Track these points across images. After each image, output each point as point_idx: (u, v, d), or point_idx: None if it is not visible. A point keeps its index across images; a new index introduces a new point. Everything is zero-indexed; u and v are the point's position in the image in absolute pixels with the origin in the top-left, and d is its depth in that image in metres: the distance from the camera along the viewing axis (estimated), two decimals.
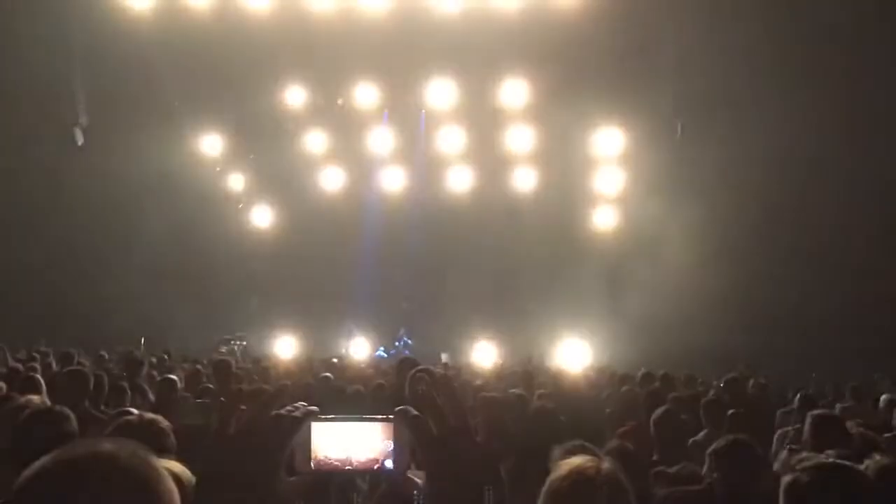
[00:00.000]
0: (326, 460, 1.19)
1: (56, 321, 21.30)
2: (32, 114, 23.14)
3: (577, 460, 2.58)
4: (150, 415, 3.69)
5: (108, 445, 1.36)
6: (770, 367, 16.72)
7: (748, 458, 4.09)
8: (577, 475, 2.48)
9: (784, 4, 20.97)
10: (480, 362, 19.49)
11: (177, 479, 2.43)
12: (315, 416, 1.19)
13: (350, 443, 1.20)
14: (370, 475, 1.22)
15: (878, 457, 3.89)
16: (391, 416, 1.20)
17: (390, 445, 1.19)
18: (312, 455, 1.19)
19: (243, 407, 1.18)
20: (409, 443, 1.17)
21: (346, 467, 1.20)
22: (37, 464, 1.32)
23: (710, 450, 4.27)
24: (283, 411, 1.17)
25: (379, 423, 1.21)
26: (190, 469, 2.44)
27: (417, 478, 1.17)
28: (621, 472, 2.54)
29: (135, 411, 5.19)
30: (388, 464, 1.19)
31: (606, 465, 2.53)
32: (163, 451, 2.83)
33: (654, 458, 5.10)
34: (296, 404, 1.19)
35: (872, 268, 20.93)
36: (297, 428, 1.16)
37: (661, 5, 21.90)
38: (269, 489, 1.11)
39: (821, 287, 21.07)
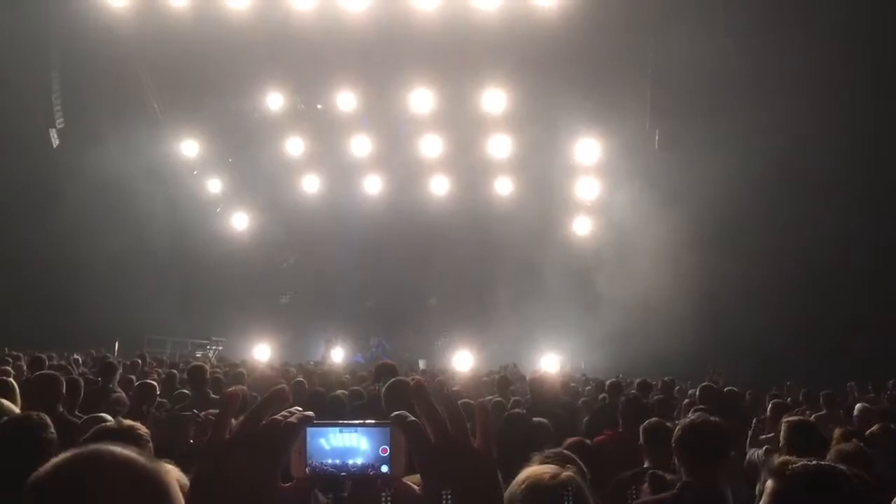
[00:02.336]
0: (321, 466, 1.19)
1: (29, 324, 21.03)
2: (8, 115, 22.83)
3: (537, 467, 2.60)
4: (128, 421, 3.64)
5: (120, 448, 1.39)
6: (742, 374, 16.85)
7: (712, 443, 4.10)
8: (532, 482, 2.51)
9: (762, 17, 21.19)
10: (457, 368, 19.53)
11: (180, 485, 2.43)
12: (310, 422, 1.19)
13: (345, 448, 1.20)
14: (366, 481, 1.21)
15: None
16: (387, 422, 1.20)
17: (387, 451, 1.19)
18: (307, 461, 1.19)
19: (262, 399, 1.18)
20: (406, 449, 1.17)
21: (342, 473, 1.20)
22: (53, 461, 1.34)
23: (674, 438, 4.27)
24: (278, 416, 1.16)
25: (375, 429, 1.21)
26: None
27: (414, 484, 1.17)
28: (582, 480, 2.55)
29: (109, 417, 5.13)
30: (385, 469, 1.19)
31: (566, 472, 2.54)
32: None
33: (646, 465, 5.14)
34: (291, 409, 1.19)
35: (845, 277, 21.17)
36: (294, 433, 1.16)
37: (640, 18, 22.07)
38: (265, 495, 1.11)
39: (793, 296, 21.28)
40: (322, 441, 1.18)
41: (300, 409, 1.19)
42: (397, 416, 1.18)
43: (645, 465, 5.03)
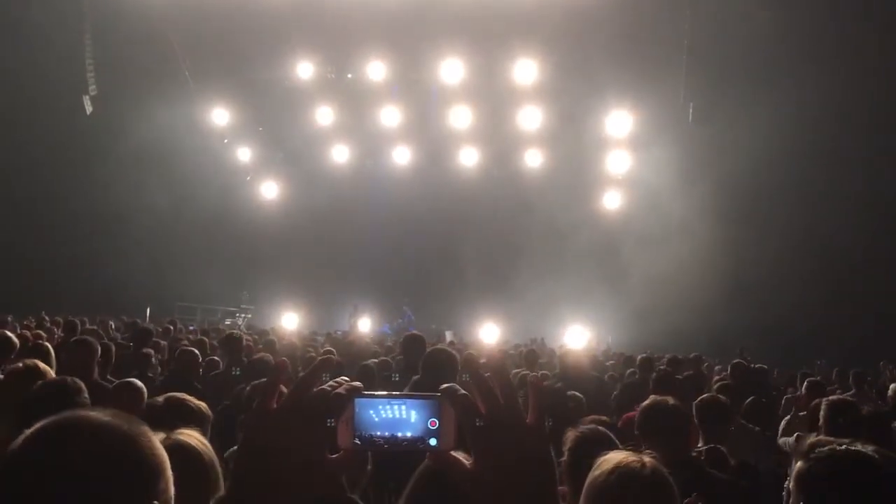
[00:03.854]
0: (370, 437, 1.17)
1: (62, 290, 21.36)
2: (43, 82, 23.04)
3: (619, 455, 2.57)
4: (195, 401, 3.64)
5: (98, 412, 1.37)
6: (771, 352, 16.73)
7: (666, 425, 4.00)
8: (623, 470, 2.48)
9: None
10: (485, 340, 19.56)
11: (195, 452, 2.42)
12: (359, 392, 1.17)
13: (394, 420, 1.18)
14: (414, 453, 1.19)
15: None
16: (437, 394, 1.17)
17: (436, 424, 1.17)
18: (356, 432, 1.17)
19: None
20: (456, 422, 1.15)
21: (390, 445, 1.18)
22: (31, 429, 1.34)
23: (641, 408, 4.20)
24: (326, 386, 1.15)
25: (424, 401, 1.18)
26: (234, 443, 2.47)
27: (463, 458, 1.14)
28: (663, 466, 2.53)
29: (139, 383, 5.19)
30: (433, 442, 1.17)
31: (648, 459, 2.52)
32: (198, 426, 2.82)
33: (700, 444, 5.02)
34: (339, 379, 1.17)
35: (880, 253, 20.88)
36: (342, 404, 1.14)
37: None
38: (313, 465, 1.10)
39: (826, 272, 21.04)
40: (371, 413, 1.16)
41: (347, 379, 1.17)
42: (447, 389, 1.15)
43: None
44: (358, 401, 1.16)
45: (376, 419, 1.17)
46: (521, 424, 1.12)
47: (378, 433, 1.17)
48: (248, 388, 5.54)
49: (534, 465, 1.11)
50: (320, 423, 1.10)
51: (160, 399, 3.60)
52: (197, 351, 8.25)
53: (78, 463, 1.29)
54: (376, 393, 1.19)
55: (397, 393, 1.19)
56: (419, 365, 5.54)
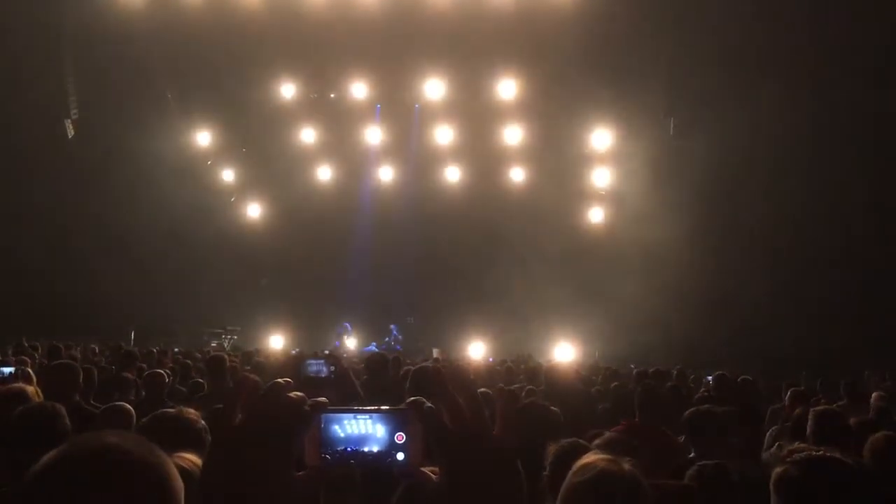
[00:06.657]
0: (336, 453, 1.16)
1: (46, 314, 21.16)
2: (23, 107, 22.93)
3: (596, 459, 2.59)
4: (189, 410, 3.61)
5: (119, 439, 1.36)
6: (759, 364, 16.77)
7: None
8: (600, 475, 2.49)
9: (774, 4, 20.99)
10: (471, 357, 19.57)
11: (188, 473, 2.39)
12: (324, 408, 1.16)
13: (360, 435, 1.17)
14: (382, 469, 1.18)
15: None
16: (403, 408, 1.17)
17: (402, 438, 1.17)
18: (322, 448, 1.16)
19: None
20: (423, 435, 1.15)
21: (357, 460, 1.17)
22: (50, 455, 1.32)
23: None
24: (290, 402, 1.13)
25: (390, 415, 1.18)
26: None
27: (431, 472, 1.14)
28: (640, 472, 2.55)
29: (127, 405, 5.16)
30: (400, 457, 1.17)
31: (626, 464, 2.53)
32: (195, 448, 2.80)
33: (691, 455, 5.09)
34: (296, 393, 1.15)
35: (860, 271, 21.01)
36: (306, 421, 1.13)
37: (653, 4, 21.90)
38: (278, 483, 1.08)
39: (806, 288, 21.15)
40: (336, 428, 1.16)
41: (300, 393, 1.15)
42: (413, 402, 1.15)
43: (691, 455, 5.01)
44: (324, 416, 1.15)
45: (342, 434, 1.16)
46: (487, 437, 1.12)
47: (345, 448, 1.16)
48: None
49: (501, 478, 1.10)
50: (283, 440, 1.09)
51: (144, 420, 3.59)
52: (162, 372, 8.13)
53: (107, 484, 1.28)
54: (342, 408, 1.18)
55: (363, 408, 1.18)
56: (405, 386, 5.50)
